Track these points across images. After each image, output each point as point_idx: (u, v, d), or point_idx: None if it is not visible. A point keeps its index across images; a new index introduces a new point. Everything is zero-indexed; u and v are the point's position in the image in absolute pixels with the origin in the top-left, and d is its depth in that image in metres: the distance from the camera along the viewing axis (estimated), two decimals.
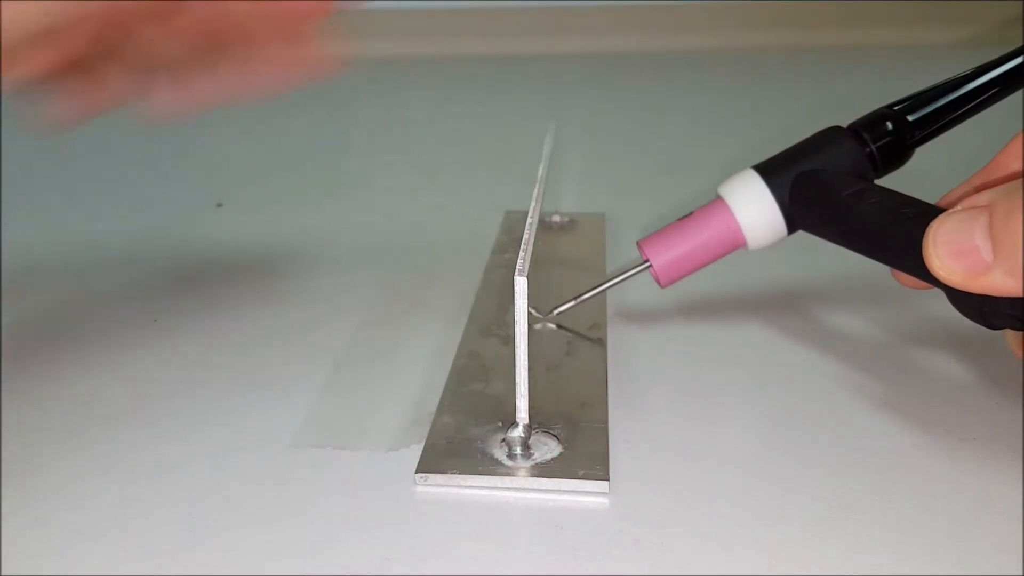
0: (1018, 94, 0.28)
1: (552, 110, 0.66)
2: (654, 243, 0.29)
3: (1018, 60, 0.27)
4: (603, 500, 0.22)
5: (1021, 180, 0.20)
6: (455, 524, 0.21)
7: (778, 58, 0.84)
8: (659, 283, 0.29)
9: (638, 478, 0.22)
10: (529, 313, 0.29)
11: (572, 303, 0.30)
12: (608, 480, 0.22)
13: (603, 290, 0.29)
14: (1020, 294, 0.20)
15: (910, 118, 0.27)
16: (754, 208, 0.28)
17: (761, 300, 0.33)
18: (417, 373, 0.28)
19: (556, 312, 0.30)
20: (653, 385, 0.27)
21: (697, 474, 0.23)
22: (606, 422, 0.24)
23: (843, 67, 0.78)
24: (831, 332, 0.30)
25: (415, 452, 0.23)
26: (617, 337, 0.30)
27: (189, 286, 0.35)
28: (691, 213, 0.29)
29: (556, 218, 0.40)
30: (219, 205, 0.45)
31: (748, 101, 0.68)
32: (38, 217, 0.44)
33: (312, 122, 0.65)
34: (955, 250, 0.21)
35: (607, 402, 0.25)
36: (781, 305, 0.32)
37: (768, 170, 0.28)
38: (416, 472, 0.22)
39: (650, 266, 0.29)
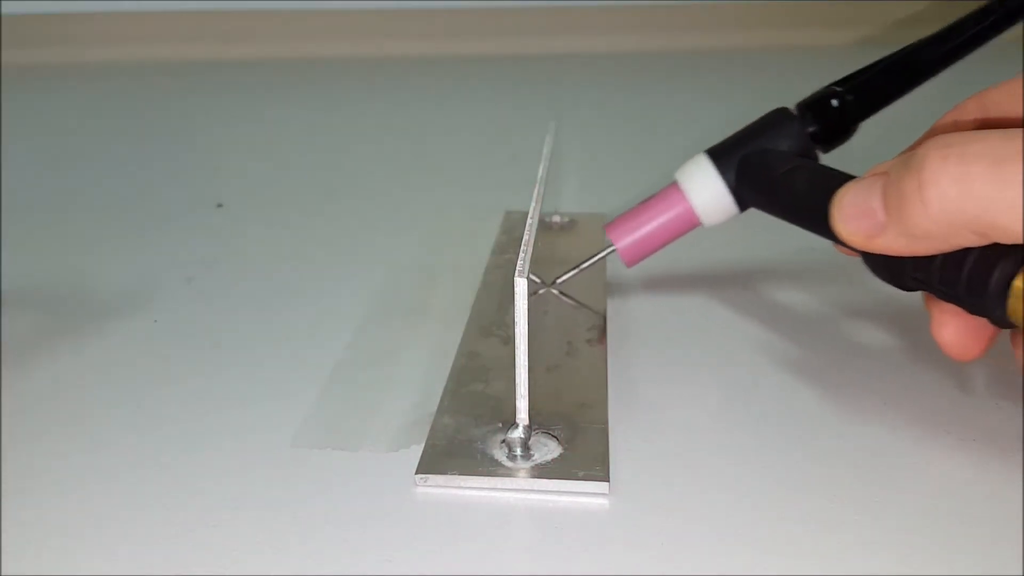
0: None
1: (552, 110, 0.66)
2: (617, 227, 0.31)
3: (955, 35, 0.28)
4: (603, 501, 0.22)
5: (914, 152, 0.21)
6: (455, 525, 0.21)
7: (778, 58, 0.84)
8: (625, 264, 0.31)
9: (638, 479, 0.22)
10: (531, 281, 0.30)
11: (575, 271, 0.32)
12: (608, 481, 0.22)
13: (580, 271, 0.32)
14: (911, 253, 0.22)
15: (851, 95, 0.29)
16: (705, 189, 0.29)
17: (767, 294, 0.33)
18: (417, 373, 0.28)
19: (559, 281, 0.32)
20: (653, 386, 0.27)
21: (697, 475, 0.23)
22: (606, 423, 0.24)
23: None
24: (835, 328, 0.30)
25: (415, 453, 0.23)
26: (617, 337, 0.30)
27: (189, 286, 0.35)
28: (651, 197, 0.31)
29: (556, 218, 0.40)
30: (219, 205, 0.45)
31: (748, 101, 0.68)
32: (38, 217, 0.44)
33: (312, 122, 0.65)
34: (854, 213, 0.23)
35: (607, 403, 0.25)
36: (785, 299, 0.32)
37: (717, 153, 0.30)
38: (416, 473, 0.22)
39: (615, 248, 0.31)
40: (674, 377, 0.28)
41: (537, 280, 0.32)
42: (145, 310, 0.33)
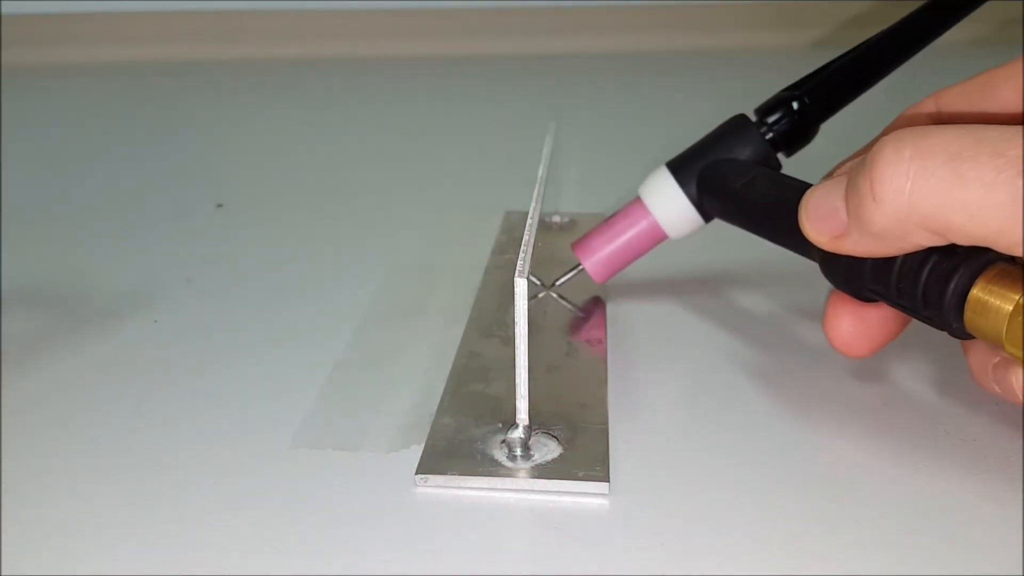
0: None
1: (552, 110, 0.66)
2: (584, 245, 0.31)
3: (907, 28, 0.28)
4: (603, 501, 0.22)
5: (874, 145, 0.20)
6: (455, 525, 0.21)
7: (779, 58, 0.84)
8: (596, 281, 0.31)
9: (638, 479, 0.22)
10: (531, 283, 0.30)
11: (572, 273, 0.32)
12: (608, 481, 0.22)
13: (570, 278, 0.32)
14: (873, 254, 0.21)
15: (808, 97, 0.29)
16: (667, 203, 0.29)
17: (770, 295, 0.33)
18: (417, 374, 0.28)
19: (559, 283, 0.32)
20: (653, 386, 0.27)
21: (697, 475, 0.23)
22: (606, 423, 0.24)
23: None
24: None
25: (415, 453, 0.23)
26: (617, 338, 0.30)
27: (189, 286, 0.35)
28: (616, 212, 0.31)
29: (556, 218, 0.40)
30: (219, 205, 0.45)
31: (748, 101, 0.68)
32: (37, 217, 0.44)
33: (312, 122, 0.65)
34: (820, 213, 0.22)
35: (607, 403, 0.25)
36: (789, 300, 0.32)
37: (678, 165, 0.30)
38: (416, 473, 0.22)
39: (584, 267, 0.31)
40: (674, 377, 0.28)
41: (537, 282, 0.32)
42: (145, 310, 0.33)
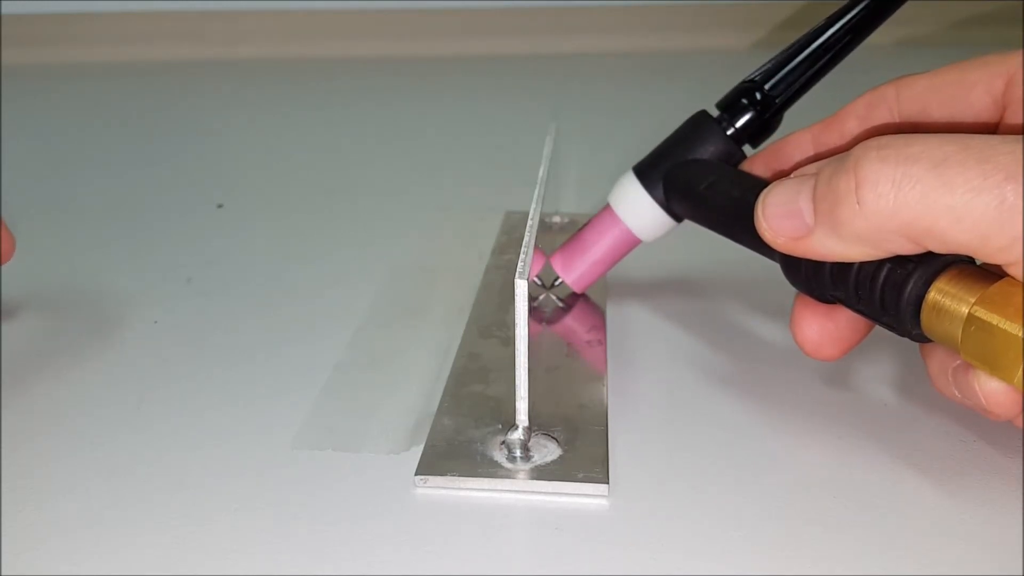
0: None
1: (552, 110, 0.66)
2: (560, 260, 0.31)
3: (861, 7, 0.28)
4: (603, 502, 0.22)
5: (848, 152, 0.20)
6: (454, 526, 0.21)
7: None
8: (575, 291, 0.31)
9: (638, 480, 0.22)
10: (533, 284, 0.30)
11: (562, 279, 0.32)
12: (608, 483, 0.22)
13: (559, 285, 0.32)
14: (837, 257, 0.21)
15: (767, 86, 0.28)
16: (636, 209, 0.29)
17: (773, 294, 0.33)
18: (417, 374, 0.28)
19: (557, 283, 0.32)
20: (653, 387, 0.27)
21: (697, 476, 0.23)
22: (606, 424, 0.24)
23: (851, 64, 0.77)
24: None
25: (415, 454, 0.23)
26: (617, 338, 0.30)
27: (189, 287, 0.35)
28: (588, 222, 0.31)
29: (556, 219, 0.40)
30: (219, 205, 0.45)
31: None
32: (38, 218, 0.44)
33: (312, 122, 0.65)
34: (780, 212, 0.22)
35: (607, 404, 0.25)
36: (789, 297, 0.32)
37: (643, 170, 0.29)
38: (416, 474, 0.22)
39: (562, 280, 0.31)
40: (674, 378, 0.28)
41: (538, 283, 0.32)
42: (145, 310, 0.33)
